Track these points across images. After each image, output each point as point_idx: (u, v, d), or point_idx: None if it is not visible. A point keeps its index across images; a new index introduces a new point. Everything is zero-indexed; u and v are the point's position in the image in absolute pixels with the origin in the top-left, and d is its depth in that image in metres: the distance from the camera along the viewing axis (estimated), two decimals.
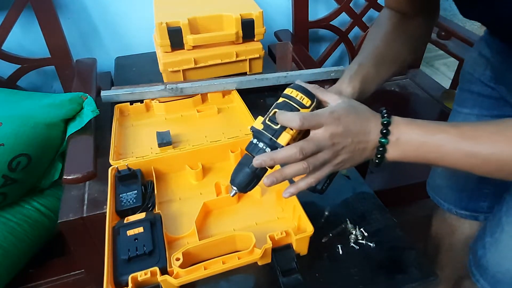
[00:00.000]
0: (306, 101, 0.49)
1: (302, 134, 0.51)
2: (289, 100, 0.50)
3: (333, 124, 0.46)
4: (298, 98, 0.49)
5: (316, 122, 0.46)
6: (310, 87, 0.51)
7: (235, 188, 0.52)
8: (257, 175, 0.51)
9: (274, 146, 0.49)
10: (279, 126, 0.48)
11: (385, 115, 0.48)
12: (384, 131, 0.47)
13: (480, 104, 0.73)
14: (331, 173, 0.52)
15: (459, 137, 0.45)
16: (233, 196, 0.53)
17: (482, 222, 0.83)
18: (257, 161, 0.47)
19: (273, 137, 0.48)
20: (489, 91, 0.71)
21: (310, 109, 0.50)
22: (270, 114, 0.50)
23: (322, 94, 0.51)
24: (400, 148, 0.47)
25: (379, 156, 0.48)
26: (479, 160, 0.44)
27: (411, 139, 0.47)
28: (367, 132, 0.48)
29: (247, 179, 0.51)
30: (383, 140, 0.47)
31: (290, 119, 0.46)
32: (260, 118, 0.51)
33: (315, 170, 0.49)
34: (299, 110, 0.49)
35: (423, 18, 0.64)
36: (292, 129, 0.48)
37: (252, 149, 0.50)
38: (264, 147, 0.49)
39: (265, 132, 0.49)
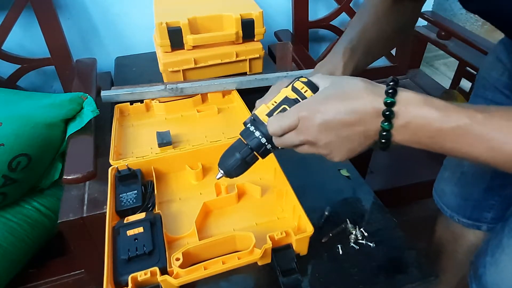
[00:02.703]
0: None
1: None
2: (302, 99, 0.46)
3: (322, 138, 0.43)
4: (306, 95, 0.46)
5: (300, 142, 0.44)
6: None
7: (221, 171, 0.51)
8: (247, 162, 0.49)
9: (270, 139, 0.48)
10: None
11: (390, 91, 0.39)
12: (387, 112, 0.39)
13: None
14: None
15: (486, 126, 0.37)
16: (218, 179, 0.52)
17: (485, 233, 0.82)
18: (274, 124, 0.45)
19: None
20: (503, 99, 0.69)
21: None
22: (279, 109, 0.47)
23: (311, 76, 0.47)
24: (409, 133, 0.40)
25: (383, 141, 0.41)
26: (506, 156, 0.37)
27: (425, 124, 0.38)
28: (364, 122, 0.41)
29: (236, 164, 0.50)
30: (385, 125, 0.40)
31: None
32: (264, 108, 0.48)
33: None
34: None
35: (412, 2, 0.62)
36: None
37: (246, 136, 0.48)
38: (260, 137, 0.48)
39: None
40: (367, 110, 0.40)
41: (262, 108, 0.48)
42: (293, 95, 0.47)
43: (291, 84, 0.47)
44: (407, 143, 0.41)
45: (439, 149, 0.40)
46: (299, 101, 0.46)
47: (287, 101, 0.47)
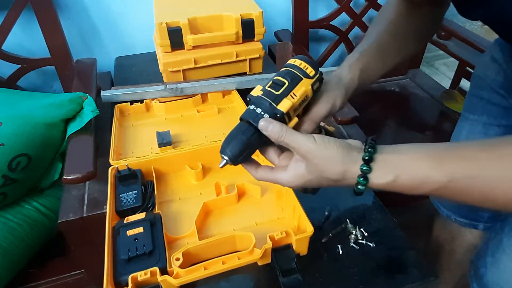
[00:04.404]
0: (310, 71, 0.47)
1: (305, 104, 0.49)
2: (292, 69, 0.48)
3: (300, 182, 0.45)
4: (301, 67, 0.47)
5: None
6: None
7: (226, 158, 0.47)
8: (251, 144, 0.46)
9: (273, 113, 0.45)
10: (280, 92, 0.46)
11: (366, 158, 0.41)
12: (361, 179, 0.41)
13: (488, 112, 0.71)
14: None
15: (465, 180, 0.37)
16: (222, 167, 0.48)
17: (482, 231, 0.82)
18: (263, 123, 0.44)
19: (273, 103, 0.45)
20: (498, 98, 0.69)
21: (313, 79, 0.47)
22: (271, 81, 0.48)
23: (289, 136, 0.43)
24: (385, 188, 0.42)
25: (357, 193, 0.44)
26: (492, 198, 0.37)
27: (402, 189, 0.42)
28: (341, 180, 0.43)
29: (240, 147, 0.46)
30: (359, 188, 0.42)
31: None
32: (259, 87, 0.48)
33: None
34: (302, 79, 0.47)
35: (431, 8, 0.61)
36: (293, 97, 0.46)
37: (248, 115, 0.46)
38: (262, 113, 0.45)
39: (265, 98, 0.46)
40: (345, 176, 0.42)
41: (257, 88, 0.48)
42: (283, 68, 0.48)
43: None
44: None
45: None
46: (290, 71, 0.47)
47: (279, 73, 0.48)
